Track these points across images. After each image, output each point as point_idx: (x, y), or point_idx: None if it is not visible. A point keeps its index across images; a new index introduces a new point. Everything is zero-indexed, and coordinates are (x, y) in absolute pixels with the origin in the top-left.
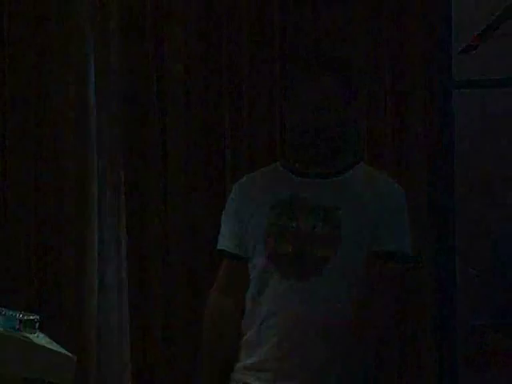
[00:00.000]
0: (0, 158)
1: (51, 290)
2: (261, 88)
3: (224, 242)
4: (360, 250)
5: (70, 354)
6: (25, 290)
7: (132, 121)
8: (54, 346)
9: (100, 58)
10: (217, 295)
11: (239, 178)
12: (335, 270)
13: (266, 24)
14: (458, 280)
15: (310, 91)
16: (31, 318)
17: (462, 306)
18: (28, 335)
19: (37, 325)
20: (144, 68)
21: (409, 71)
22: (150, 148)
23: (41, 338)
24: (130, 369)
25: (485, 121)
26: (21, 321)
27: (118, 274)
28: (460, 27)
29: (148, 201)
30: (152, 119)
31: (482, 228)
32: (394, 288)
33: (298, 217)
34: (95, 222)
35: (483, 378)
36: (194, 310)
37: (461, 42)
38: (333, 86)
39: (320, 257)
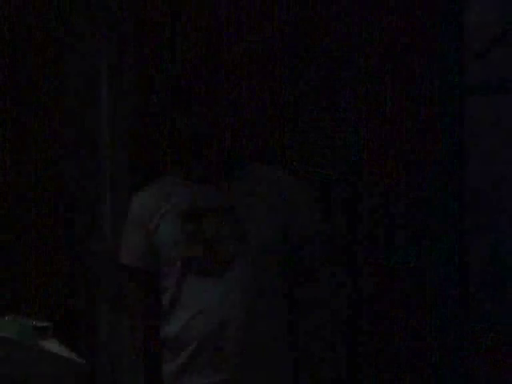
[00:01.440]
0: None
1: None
2: None
3: (128, 257)
4: (270, 241)
5: (82, 361)
6: (37, 297)
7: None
8: (67, 353)
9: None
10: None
11: None
12: (246, 263)
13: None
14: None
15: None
16: (44, 325)
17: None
18: (41, 342)
19: (50, 332)
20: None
21: (419, 76)
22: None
23: (54, 345)
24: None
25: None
26: (34, 328)
27: None
28: (475, 30)
29: None
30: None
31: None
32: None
33: (202, 221)
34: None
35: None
36: None
37: (476, 45)
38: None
39: (229, 253)
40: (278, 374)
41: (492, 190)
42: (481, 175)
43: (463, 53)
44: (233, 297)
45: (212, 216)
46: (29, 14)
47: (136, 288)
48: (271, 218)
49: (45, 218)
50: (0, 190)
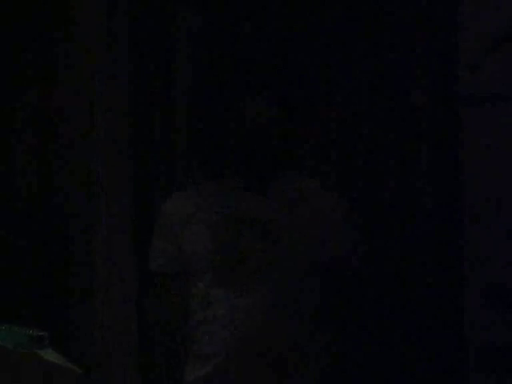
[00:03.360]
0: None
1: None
2: None
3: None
4: (296, 261)
5: (79, 370)
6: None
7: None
8: (63, 362)
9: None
10: None
11: None
12: (275, 280)
13: None
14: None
15: (246, 109)
16: (40, 334)
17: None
18: (37, 351)
19: (46, 341)
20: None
21: (412, 85)
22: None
23: (50, 354)
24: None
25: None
26: (30, 337)
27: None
28: (471, 41)
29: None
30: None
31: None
32: None
33: (237, 232)
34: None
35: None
36: None
37: (471, 56)
38: (269, 105)
39: (254, 269)
40: None
41: (488, 202)
42: (478, 188)
43: (458, 63)
44: (258, 312)
45: (248, 228)
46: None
47: (168, 296)
48: (306, 238)
49: (38, 223)
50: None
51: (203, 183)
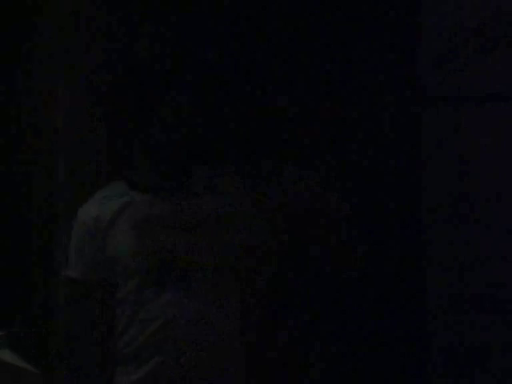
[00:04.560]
0: None
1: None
2: None
3: (80, 269)
4: (224, 255)
5: (36, 371)
6: None
7: None
8: (21, 363)
9: None
10: None
11: None
12: (203, 277)
13: None
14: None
15: (164, 109)
16: None
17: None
18: None
19: (4, 341)
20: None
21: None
22: None
23: (7, 355)
24: None
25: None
26: None
27: None
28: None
29: None
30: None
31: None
32: None
33: (159, 233)
34: None
35: None
36: None
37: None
38: (186, 104)
39: (185, 269)
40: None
41: (450, 206)
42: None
43: (421, 61)
44: (190, 310)
45: (169, 228)
46: None
47: (91, 304)
48: (229, 233)
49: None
50: None
51: (112, 185)
